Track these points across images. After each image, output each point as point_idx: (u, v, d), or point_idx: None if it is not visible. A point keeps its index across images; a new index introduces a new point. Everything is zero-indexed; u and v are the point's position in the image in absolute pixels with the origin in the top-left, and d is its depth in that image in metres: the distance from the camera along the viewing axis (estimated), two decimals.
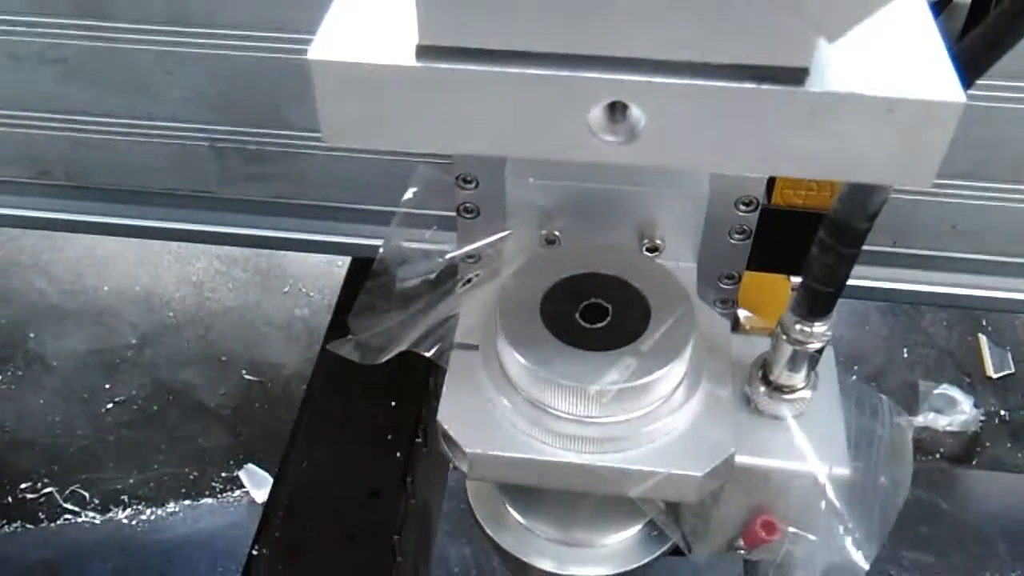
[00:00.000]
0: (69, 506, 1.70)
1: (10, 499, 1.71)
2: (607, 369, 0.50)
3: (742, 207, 0.62)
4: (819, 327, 0.50)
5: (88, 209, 0.98)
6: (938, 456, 2.06)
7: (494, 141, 0.35)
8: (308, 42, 0.83)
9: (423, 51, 0.33)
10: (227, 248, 2.17)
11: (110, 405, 1.86)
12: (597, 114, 0.34)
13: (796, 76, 0.33)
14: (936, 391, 2.10)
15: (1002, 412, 2.09)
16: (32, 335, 1.97)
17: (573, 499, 0.57)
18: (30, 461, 1.76)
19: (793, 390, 0.54)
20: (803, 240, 0.67)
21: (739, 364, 0.57)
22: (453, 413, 0.53)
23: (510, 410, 0.52)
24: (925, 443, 2.02)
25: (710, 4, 0.32)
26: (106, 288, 2.08)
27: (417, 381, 1.03)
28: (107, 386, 1.89)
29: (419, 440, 0.98)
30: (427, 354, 0.55)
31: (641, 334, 0.52)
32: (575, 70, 0.33)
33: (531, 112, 0.34)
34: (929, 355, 2.20)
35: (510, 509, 0.61)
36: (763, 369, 0.55)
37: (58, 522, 1.69)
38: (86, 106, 0.90)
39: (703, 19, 0.32)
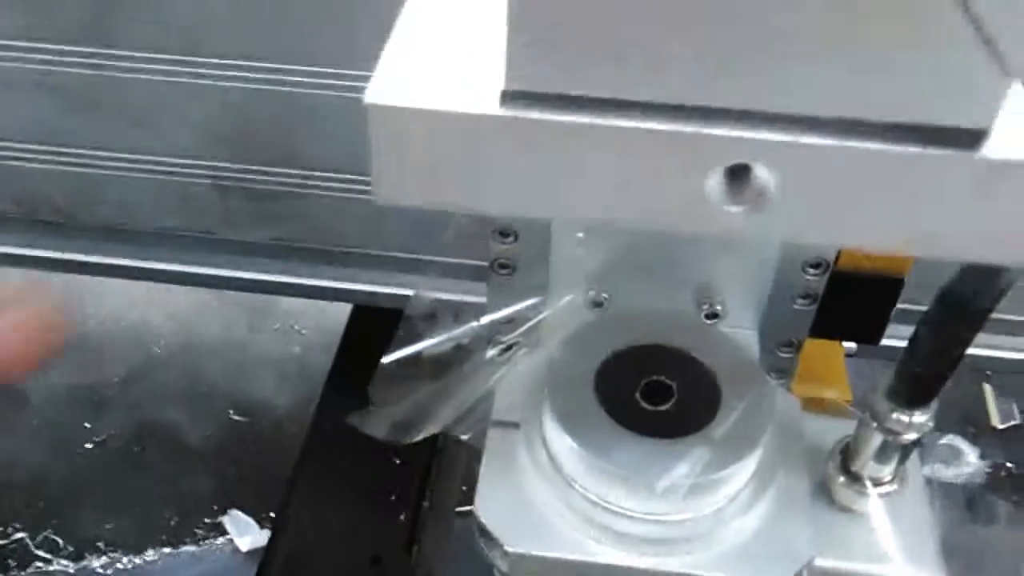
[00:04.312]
0: (41, 553, 1.61)
1: None
2: (676, 461, 0.43)
3: (811, 270, 0.56)
4: (919, 417, 0.44)
5: (79, 248, 0.91)
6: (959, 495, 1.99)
7: (588, 206, 0.29)
8: (324, 75, 0.77)
9: (509, 97, 0.27)
10: None
11: (89, 445, 1.77)
12: (716, 179, 0.28)
13: (972, 139, 0.26)
14: (940, 441, 2.04)
15: (1008, 464, 2.02)
16: None
17: None
18: (2, 504, 1.67)
19: (879, 483, 0.48)
20: (869, 306, 0.62)
21: (813, 449, 0.50)
22: (491, 504, 0.46)
23: (559, 503, 0.45)
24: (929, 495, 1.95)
25: (873, 48, 0.25)
26: (91, 321, 2.00)
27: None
28: (87, 425, 1.80)
29: (426, 504, 0.91)
30: (464, 438, 0.48)
31: (712, 419, 0.46)
32: (697, 125, 0.27)
33: (638, 173, 0.28)
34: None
35: None
36: (844, 457, 0.49)
37: (28, 570, 1.60)
38: (82, 138, 0.83)
39: (861, 68, 0.26)
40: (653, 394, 0.47)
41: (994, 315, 0.82)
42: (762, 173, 0.28)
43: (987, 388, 2.09)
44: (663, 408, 0.46)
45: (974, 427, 2.05)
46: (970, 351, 0.83)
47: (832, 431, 0.50)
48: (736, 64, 0.26)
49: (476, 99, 0.27)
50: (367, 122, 0.28)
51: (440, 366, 0.52)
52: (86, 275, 0.95)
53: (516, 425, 0.49)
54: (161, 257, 0.91)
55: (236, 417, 1.87)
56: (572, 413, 0.45)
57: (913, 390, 0.43)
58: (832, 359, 0.72)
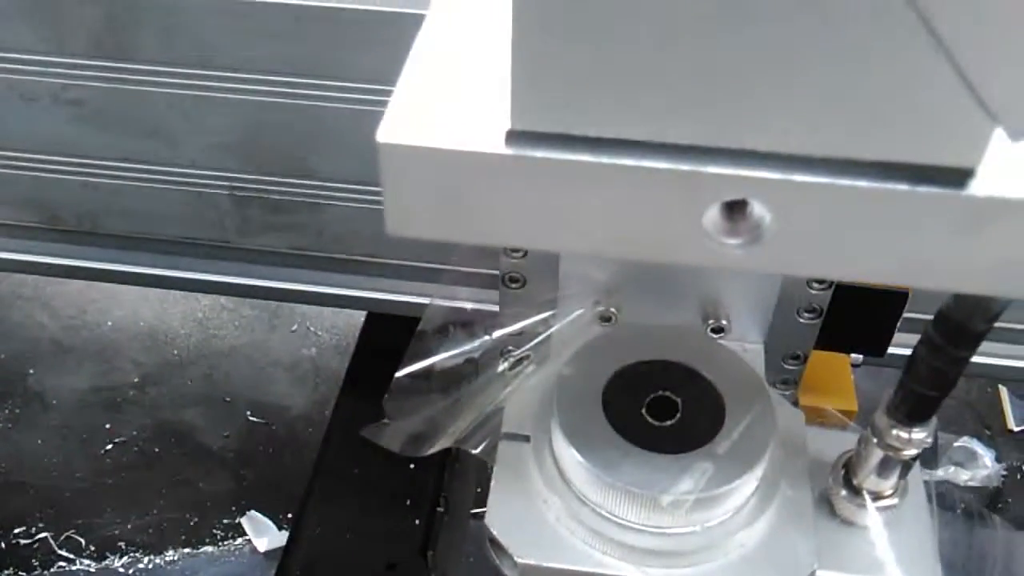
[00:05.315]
0: (64, 553, 1.64)
1: (3, 545, 1.64)
2: (680, 476, 0.45)
3: (815, 285, 0.57)
4: (918, 433, 0.45)
5: (100, 256, 0.93)
6: (958, 513, 1.98)
7: (591, 240, 0.30)
8: (338, 88, 0.78)
9: (514, 137, 0.28)
10: None
11: (109, 446, 1.80)
12: (714, 213, 0.29)
13: (959, 177, 0.27)
14: (956, 444, 2.04)
15: None
16: (32, 371, 1.91)
17: None
18: (25, 504, 1.69)
19: (879, 496, 0.49)
20: (874, 319, 0.63)
21: (816, 462, 0.51)
22: (502, 515, 0.48)
23: (567, 515, 0.47)
24: (945, 498, 1.95)
25: (864, 92, 0.27)
26: (109, 323, 2.03)
27: None
28: (107, 426, 1.83)
29: (440, 509, 0.92)
30: (475, 451, 0.50)
31: (715, 434, 0.47)
32: (695, 163, 0.28)
33: (639, 209, 0.29)
34: (948, 406, 2.13)
35: None
36: (846, 470, 0.50)
37: (52, 569, 1.62)
38: (101, 150, 0.85)
39: (853, 109, 0.27)
40: (659, 409, 0.48)
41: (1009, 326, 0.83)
42: (758, 208, 0.29)
43: (1003, 390, 2.09)
44: (668, 424, 0.47)
45: (990, 429, 2.05)
46: (987, 361, 0.84)
47: (835, 444, 0.51)
48: (732, 105, 0.27)
49: (483, 138, 0.28)
50: (378, 159, 0.29)
51: (452, 379, 0.54)
52: (105, 282, 0.97)
53: (526, 438, 0.50)
54: (178, 265, 0.93)
55: (253, 419, 1.90)
56: (580, 429, 0.46)
57: (912, 407, 0.44)
58: (838, 369, 0.72)
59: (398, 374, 0.53)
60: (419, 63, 0.31)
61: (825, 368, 0.69)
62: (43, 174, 0.87)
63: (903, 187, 0.28)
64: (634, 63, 0.27)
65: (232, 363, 1.99)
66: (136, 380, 1.92)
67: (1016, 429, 2.03)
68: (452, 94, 0.30)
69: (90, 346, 1.98)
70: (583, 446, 0.46)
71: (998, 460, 1.97)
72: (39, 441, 1.79)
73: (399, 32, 0.72)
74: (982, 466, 1.98)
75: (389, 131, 0.29)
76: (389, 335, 0.88)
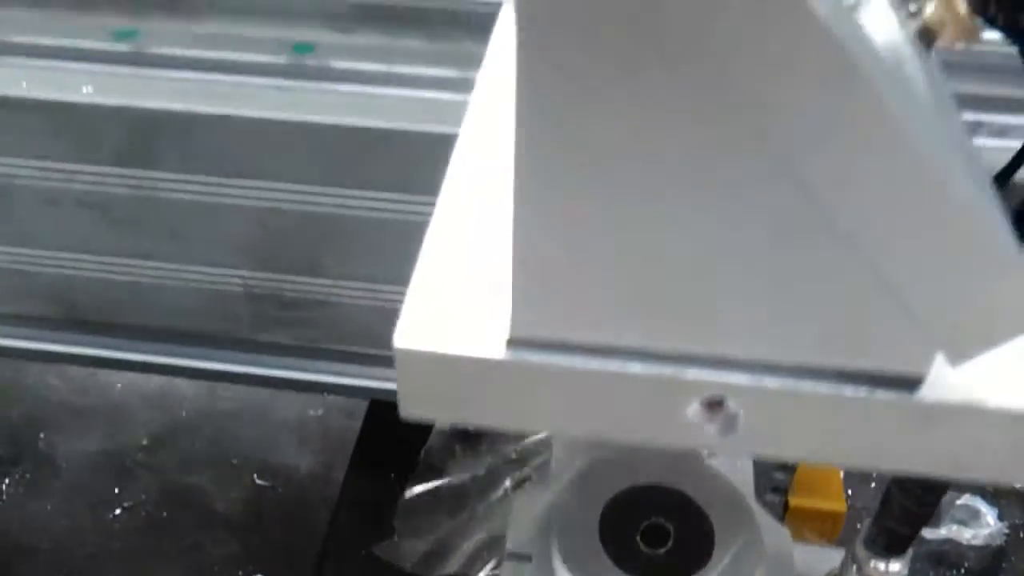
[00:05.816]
0: None
1: None
2: None
3: None
4: (895, 566, 0.48)
5: (117, 347, 0.97)
6: (962, 572, 1.99)
7: (583, 427, 0.34)
8: (349, 196, 0.82)
9: (514, 344, 0.32)
10: None
11: (118, 511, 1.82)
12: (694, 406, 0.33)
13: (910, 383, 0.31)
14: (959, 502, 2.04)
15: None
16: (42, 435, 1.94)
17: None
18: (35, 570, 1.71)
19: None
20: None
21: None
22: None
23: None
24: (948, 557, 1.95)
25: (824, 314, 0.30)
26: (119, 385, 2.06)
27: None
28: (116, 490, 1.85)
29: None
30: None
31: (705, 561, 0.50)
32: (675, 368, 0.31)
33: (625, 405, 0.33)
34: None
35: None
36: None
37: None
38: (122, 249, 0.89)
39: (815, 326, 0.31)
40: (652, 536, 0.51)
41: None
42: (733, 404, 0.32)
43: None
44: (661, 551, 0.50)
45: (993, 487, 2.06)
46: None
47: (821, 561, 0.54)
48: (709, 321, 0.31)
49: (485, 344, 0.32)
50: (395, 360, 0.33)
51: (459, 496, 0.57)
52: (123, 371, 1.01)
53: (529, 558, 0.53)
54: (193, 356, 0.96)
55: (260, 481, 1.92)
56: (578, 558, 0.49)
57: (888, 541, 0.47)
58: (828, 471, 0.76)
59: (406, 494, 0.56)
60: (428, 268, 0.35)
61: (815, 470, 0.73)
62: (65, 271, 0.91)
63: (859, 392, 0.31)
64: (621, 288, 0.30)
65: (239, 425, 2.02)
66: (145, 443, 1.95)
67: (1019, 487, 2.04)
68: (458, 300, 0.34)
69: (100, 408, 2.01)
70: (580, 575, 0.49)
71: (1001, 518, 1.97)
72: (49, 507, 1.82)
73: (407, 146, 0.77)
74: (985, 524, 1.98)
75: (404, 337, 0.32)
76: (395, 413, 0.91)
